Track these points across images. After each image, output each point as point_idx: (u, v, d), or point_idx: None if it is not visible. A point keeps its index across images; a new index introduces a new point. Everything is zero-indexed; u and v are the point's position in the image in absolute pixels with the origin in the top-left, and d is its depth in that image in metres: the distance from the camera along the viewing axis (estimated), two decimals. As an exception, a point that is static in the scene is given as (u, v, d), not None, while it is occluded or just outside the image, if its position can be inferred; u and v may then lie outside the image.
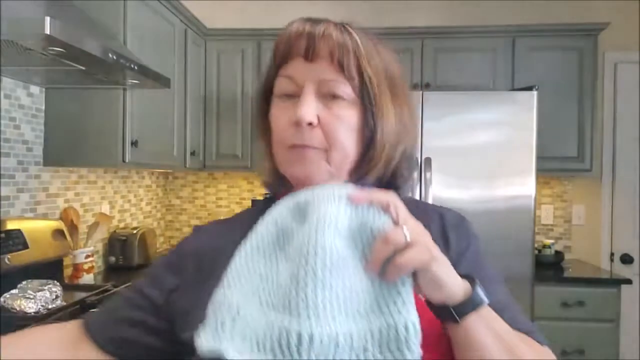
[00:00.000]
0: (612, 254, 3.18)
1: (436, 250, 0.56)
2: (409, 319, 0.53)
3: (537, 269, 2.56)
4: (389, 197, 0.58)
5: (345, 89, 0.68)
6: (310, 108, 0.67)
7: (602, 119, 3.15)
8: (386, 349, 0.51)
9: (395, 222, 0.56)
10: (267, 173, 0.76)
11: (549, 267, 2.86)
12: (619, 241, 3.18)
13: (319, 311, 0.50)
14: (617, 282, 2.63)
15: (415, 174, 2.51)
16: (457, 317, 0.57)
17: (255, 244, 0.58)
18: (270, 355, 0.50)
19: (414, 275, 0.55)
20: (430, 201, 2.45)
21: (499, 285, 0.72)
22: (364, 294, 0.54)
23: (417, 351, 0.52)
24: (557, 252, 2.97)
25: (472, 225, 0.76)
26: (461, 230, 0.74)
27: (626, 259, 3.15)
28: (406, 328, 0.52)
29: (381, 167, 0.72)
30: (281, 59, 0.70)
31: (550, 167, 2.81)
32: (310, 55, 0.68)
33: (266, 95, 0.75)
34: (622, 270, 3.08)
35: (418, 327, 0.53)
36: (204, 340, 0.51)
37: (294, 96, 0.69)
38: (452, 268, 0.58)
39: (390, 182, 0.74)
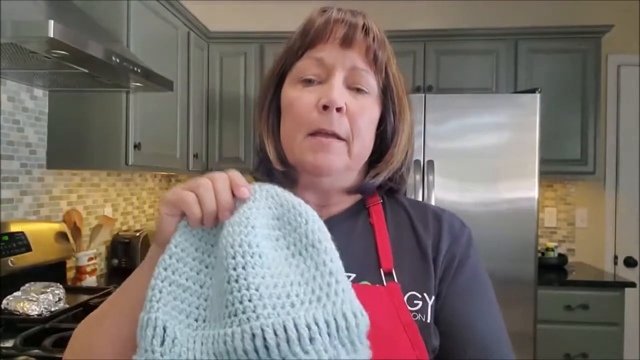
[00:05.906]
0: (615, 257, 3.17)
1: None
2: (352, 304, 0.48)
3: (540, 272, 2.55)
4: None
5: (372, 83, 0.68)
6: (341, 92, 0.65)
7: (605, 122, 3.14)
8: (335, 338, 0.46)
9: None
10: (273, 162, 0.70)
11: (552, 270, 2.85)
12: (623, 244, 3.17)
13: (258, 307, 0.46)
14: (621, 285, 2.61)
15: (417, 177, 2.51)
16: None
17: (175, 257, 0.54)
18: None
19: None
20: (432, 204, 2.45)
21: (490, 309, 0.68)
22: (296, 284, 0.50)
23: (366, 342, 0.48)
24: (560, 255, 2.96)
25: (472, 235, 0.72)
26: (459, 238, 0.70)
27: (630, 262, 3.14)
28: (349, 316, 0.47)
29: (395, 167, 0.72)
30: (312, 42, 0.68)
31: (553, 169, 2.81)
32: (348, 42, 0.66)
33: (278, 78, 0.71)
34: (626, 273, 3.07)
35: (365, 313, 0.48)
36: None
37: (318, 81, 0.67)
38: None
39: (391, 182, 0.74)
